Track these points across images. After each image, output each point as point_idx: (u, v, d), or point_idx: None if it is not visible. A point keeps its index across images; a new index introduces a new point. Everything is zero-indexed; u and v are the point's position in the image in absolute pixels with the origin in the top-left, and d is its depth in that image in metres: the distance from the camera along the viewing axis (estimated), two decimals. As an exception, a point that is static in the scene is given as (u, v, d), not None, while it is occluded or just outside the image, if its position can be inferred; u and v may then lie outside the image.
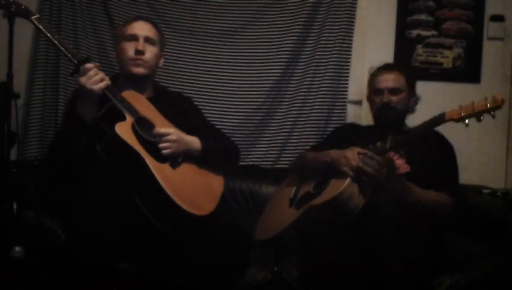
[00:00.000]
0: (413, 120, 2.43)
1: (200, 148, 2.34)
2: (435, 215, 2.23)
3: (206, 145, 2.35)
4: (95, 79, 2.14)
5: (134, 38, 2.37)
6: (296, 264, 2.29)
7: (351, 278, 2.07)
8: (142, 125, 2.23)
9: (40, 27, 2.19)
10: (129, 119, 2.19)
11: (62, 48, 2.20)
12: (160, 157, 2.22)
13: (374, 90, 2.56)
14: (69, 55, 2.19)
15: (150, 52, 2.38)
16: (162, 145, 2.23)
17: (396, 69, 2.57)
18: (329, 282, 2.08)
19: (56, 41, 2.19)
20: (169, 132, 2.25)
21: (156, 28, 2.47)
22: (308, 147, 2.86)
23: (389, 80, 2.51)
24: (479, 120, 2.03)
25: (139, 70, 2.36)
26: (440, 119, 2.12)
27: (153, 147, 2.21)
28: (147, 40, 2.38)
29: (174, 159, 2.27)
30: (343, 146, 2.43)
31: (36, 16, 2.20)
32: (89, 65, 2.16)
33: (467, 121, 2.04)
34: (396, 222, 2.06)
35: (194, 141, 2.34)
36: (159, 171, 2.16)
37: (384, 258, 2.03)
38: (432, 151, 2.37)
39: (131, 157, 2.12)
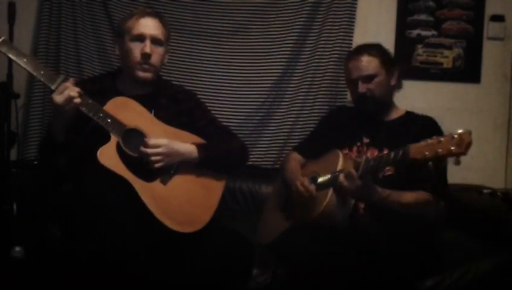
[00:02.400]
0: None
1: (196, 156, 2.23)
2: (420, 216, 2.19)
3: (203, 156, 2.24)
4: (66, 99, 2.03)
5: (140, 38, 2.24)
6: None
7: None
8: (131, 138, 2.14)
9: (5, 52, 2.06)
10: (113, 138, 2.10)
11: (32, 72, 2.07)
12: (150, 173, 2.15)
13: (348, 79, 2.42)
14: (41, 78, 2.07)
15: (157, 54, 2.26)
16: (152, 159, 2.14)
17: (366, 51, 2.36)
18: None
19: (25, 65, 2.07)
20: (160, 144, 2.16)
21: (163, 23, 2.32)
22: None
23: (360, 68, 2.34)
24: (443, 164, 1.92)
25: (146, 75, 2.25)
26: (404, 155, 1.94)
27: (142, 163, 2.14)
28: (154, 40, 2.25)
29: (165, 172, 2.19)
30: (335, 132, 2.43)
31: (1, 40, 2.06)
32: (65, 84, 2.06)
33: (430, 163, 1.89)
34: (384, 224, 2.05)
35: (190, 151, 2.23)
36: (147, 192, 2.09)
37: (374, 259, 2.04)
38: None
39: (119, 179, 2.06)
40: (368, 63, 2.33)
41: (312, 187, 2.28)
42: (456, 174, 2.41)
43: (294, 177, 2.41)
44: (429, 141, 1.87)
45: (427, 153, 1.85)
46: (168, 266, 2.11)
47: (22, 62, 2.07)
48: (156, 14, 2.33)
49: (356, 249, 2.13)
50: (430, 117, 2.39)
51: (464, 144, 1.80)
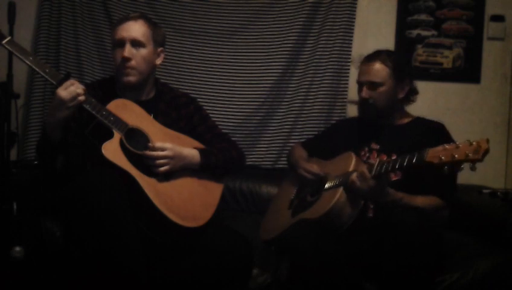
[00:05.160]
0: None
1: (198, 161, 2.25)
2: (430, 221, 2.15)
3: (204, 162, 2.26)
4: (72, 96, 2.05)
5: (121, 43, 2.24)
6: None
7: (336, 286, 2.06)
8: (133, 137, 2.16)
9: (12, 50, 2.10)
10: (117, 135, 2.12)
11: (38, 70, 2.10)
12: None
13: (357, 81, 2.41)
14: (46, 76, 2.10)
15: (139, 56, 2.25)
16: (158, 162, 2.15)
17: (379, 58, 2.34)
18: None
19: (30, 63, 2.10)
20: (165, 147, 2.18)
21: (148, 24, 2.30)
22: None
23: (368, 73, 2.32)
24: (459, 169, 1.87)
25: (129, 79, 2.25)
26: (420, 158, 1.94)
27: (143, 160, 2.15)
28: (134, 43, 2.24)
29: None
30: (343, 138, 2.44)
31: (7, 39, 2.10)
32: (67, 82, 2.08)
33: (445, 167, 1.87)
34: (396, 225, 2.04)
35: (193, 155, 2.26)
36: (150, 187, 2.11)
37: (386, 263, 2.03)
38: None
39: (121, 174, 2.07)
40: (377, 71, 2.32)
41: (315, 167, 2.37)
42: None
43: (298, 164, 2.48)
44: (447, 146, 1.86)
45: (443, 157, 1.85)
46: (168, 266, 2.11)
47: (28, 60, 2.10)
48: (138, 16, 2.31)
49: (359, 250, 2.13)
50: (440, 123, 2.37)
51: (481, 151, 1.79)
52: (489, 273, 2.27)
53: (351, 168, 2.22)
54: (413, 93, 2.41)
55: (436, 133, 2.31)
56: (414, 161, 1.95)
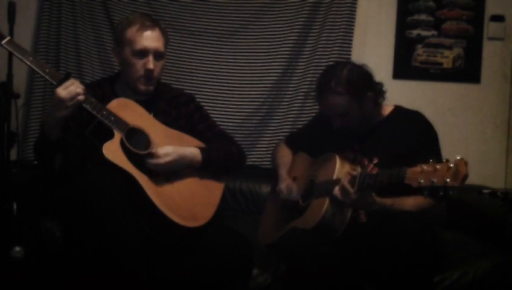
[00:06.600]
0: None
1: (200, 160, 2.25)
2: (426, 219, 2.13)
3: (206, 159, 2.26)
4: (72, 95, 2.05)
5: (143, 53, 2.24)
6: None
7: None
8: (134, 137, 2.16)
9: (12, 50, 2.09)
10: (117, 135, 2.12)
11: (37, 70, 2.10)
12: (152, 170, 2.16)
13: (322, 113, 2.41)
14: (46, 76, 2.09)
15: (159, 66, 2.28)
16: (162, 168, 2.16)
17: (331, 90, 2.22)
18: None
19: (30, 63, 2.09)
20: (168, 153, 2.17)
21: (162, 31, 2.31)
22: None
23: (328, 107, 2.27)
24: (438, 194, 1.79)
25: (148, 88, 2.28)
26: (399, 179, 1.88)
27: (144, 160, 2.15)
28: (157, 54, 2.26)
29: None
30: (326, 137, 2.40)
31: (7, 40, 2.10)
32: (68, 82, 2.07)
33: (425, 193, 1.81)
34: (388, 229, 2.04)
35: (195, 154, 2.26)
36: (151, 187, 2.11)
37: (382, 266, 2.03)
38: (410, 148, 2.18)
39: (122, 174, 2.07)
40: (335, 104, 2.24)
41: (294, 191, 2.35)
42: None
43: (279, 175, 2.46)
44: (425, 167, 1.80)
45: (421, 181, 1.79)
46: (168, 266, 2.11)
47: (28, 60, 2.10)
48: (155, 24, 2.30)
49: (356, 253, 2.13)
50: (419, 112, 2.35)
51: (460, 176, 1.72)
52: (489, 273, 2.28)
53: (335, 174, 2.18)
54: (382, 93, 2.32)
55: (415, 124, 2.29)
56: (393, 180, 1.92)
